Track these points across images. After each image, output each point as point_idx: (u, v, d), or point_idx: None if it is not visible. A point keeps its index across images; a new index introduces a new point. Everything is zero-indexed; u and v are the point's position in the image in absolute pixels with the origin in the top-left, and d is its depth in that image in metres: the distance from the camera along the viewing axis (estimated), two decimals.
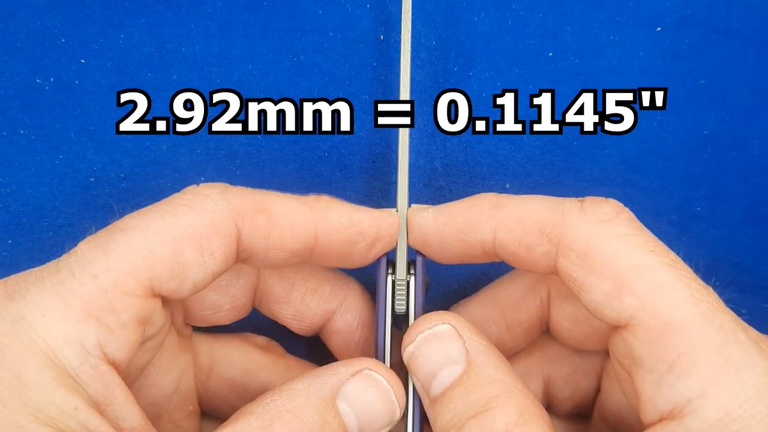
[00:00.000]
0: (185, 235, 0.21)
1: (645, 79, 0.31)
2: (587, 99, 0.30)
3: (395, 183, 0.26)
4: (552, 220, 0.22)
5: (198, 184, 0.23)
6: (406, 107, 0.27)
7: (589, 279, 0.21)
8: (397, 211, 0.26)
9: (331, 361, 0.24)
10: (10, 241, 0.30)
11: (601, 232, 0.21)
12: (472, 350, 0.23)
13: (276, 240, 0.23)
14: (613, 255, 0.21)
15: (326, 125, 0.30)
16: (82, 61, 0.29)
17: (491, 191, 0.31)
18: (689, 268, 0.22)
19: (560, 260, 0.22)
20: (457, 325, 0.24)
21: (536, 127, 0.31)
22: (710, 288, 0.21)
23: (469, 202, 0.24)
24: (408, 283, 0.26)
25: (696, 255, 0.31)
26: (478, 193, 0.31)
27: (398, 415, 0.24)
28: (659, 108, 0.30)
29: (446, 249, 0.25)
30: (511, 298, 0.27)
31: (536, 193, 0.30)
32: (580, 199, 0.23)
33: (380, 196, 0.31)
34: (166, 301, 0.23)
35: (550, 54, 0.31)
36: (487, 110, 0.31)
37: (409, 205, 0.26)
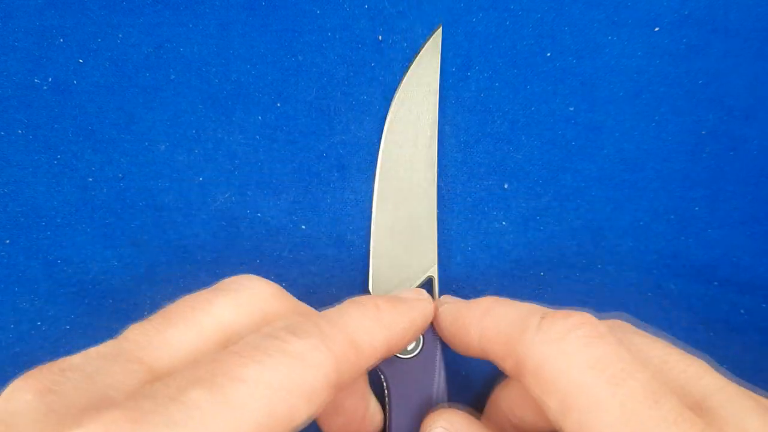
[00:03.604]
0: (303, 392, 0.21)
1: (643, 79, 0.31)
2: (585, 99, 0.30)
3: None
4: (514, 334, 0.23)
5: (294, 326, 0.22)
6: None
7: (542, 396, 0.22)
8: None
9: None
10: (8, 241, 0.29)
11: (549, 351, 0.22)
12: None
13: (361, 369, 0.23)
14: (557, 373, 0.21)
15: (325, 125, 0.30)
16: (81, 60, 0.29)
17: (489, 191, 0.31)
18: (640, 376, 0.21)
19: (520, 377, 0.23)
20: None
21: (535, 127, 0.31)
22: (660, 396, 0.20)
23: (469, 305, 0.26)
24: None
25: (694, 255, 0.31)
26: (477, 193, 0.31)
27: None
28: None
29: (453, 344, 0.26)
30: (515, 403, 0.28)
31: (534, 194, 0.31)
32: (544, 312, 0.23)
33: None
34: None
35: (548, 54, 0.31)
36: (485, 110, 0.31)
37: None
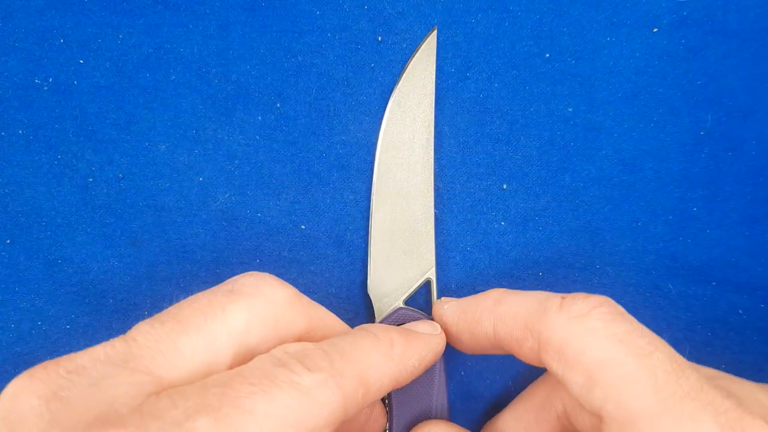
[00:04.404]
0: (307, 429, 0.20)
1: (641, 80, 0.31)
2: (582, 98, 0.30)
3: None
4: (534, 316, 0.24)
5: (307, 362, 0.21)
6: None
7: (567, 373, 0.22)
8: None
9: None
10: (8, 241, 0.30)
11: (573, 328, 0.22)
12: None
13: (366, 405, 0.23)
14: (582, 349, 0.22)
15: (324, 125, 0.30)
16: (81, 61, 0.29)
17: (488, 192, 0.31)
18: (664, 350, 0.22)
19: (542, 355, 0.23)
20: None
21: (533, 128, 0.31)
22: (685, 368, 0.21)
23: (477, 298, 0.26)
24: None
25: (693, 256, 0.31)
26: (476, 193, 0.31)
27: None
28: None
29: (461, 340, 0.27)
30: (530, 413, 0.28)
31: (533, 194, 0.31)
32: (563, 295, 0.24)
33: None
34: None
35: (547, 55, 0.31)
36: (484, 111, 0.31)
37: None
